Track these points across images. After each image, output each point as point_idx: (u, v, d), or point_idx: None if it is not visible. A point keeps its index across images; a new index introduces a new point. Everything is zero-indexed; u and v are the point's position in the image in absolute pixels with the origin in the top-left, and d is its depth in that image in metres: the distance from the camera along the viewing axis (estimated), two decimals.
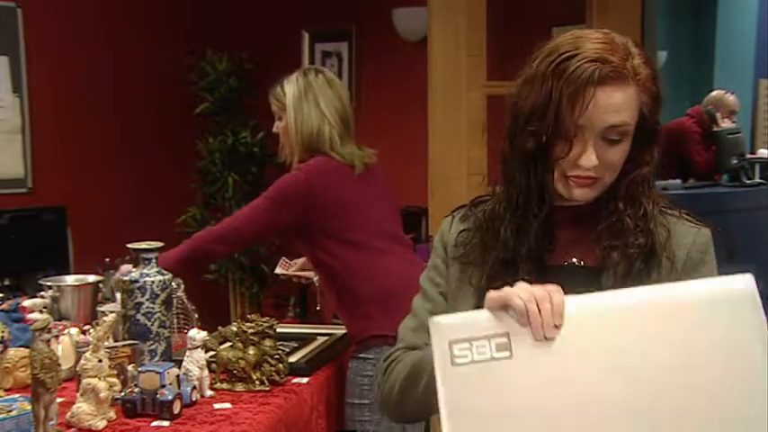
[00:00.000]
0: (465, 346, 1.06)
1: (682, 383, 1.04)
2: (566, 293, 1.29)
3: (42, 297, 2.22)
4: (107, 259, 2.60)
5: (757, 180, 5.46)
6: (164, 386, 1.78)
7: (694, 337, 1.05)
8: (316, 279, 2.76)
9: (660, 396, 1.03)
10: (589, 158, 1.24)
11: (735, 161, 5.45)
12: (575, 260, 1.33)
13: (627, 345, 1.05)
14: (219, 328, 2.09)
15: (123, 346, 1.94)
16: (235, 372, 2.02)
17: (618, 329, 1.06)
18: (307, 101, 2.49)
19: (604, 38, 1.25)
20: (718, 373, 1.04)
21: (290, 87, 2.52)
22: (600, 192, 1.29)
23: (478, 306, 1.32)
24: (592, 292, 1.26)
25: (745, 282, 1.07)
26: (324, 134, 2.48)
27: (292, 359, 2.23)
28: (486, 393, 1.05)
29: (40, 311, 1.63)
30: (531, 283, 1.27)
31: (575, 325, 1.07)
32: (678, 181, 5.28)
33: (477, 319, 1.09)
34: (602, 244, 1.29)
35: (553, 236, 1.33)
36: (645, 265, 1.28)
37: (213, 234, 2.46)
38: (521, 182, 1.31)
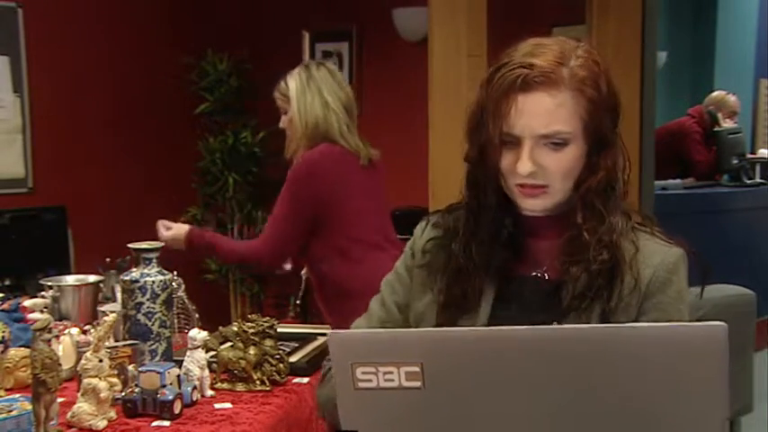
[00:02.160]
0: (369, 370, 0.93)
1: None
2: (525, 307, 1.27)
3: (43, 297, 2.22)
4: (107, 259, 2.60)
5: (758, 180, 5.47)
6: (164, 386, 1.78)
7: (645, 386, 0.91)
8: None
9: None
10: (524, 165, 1.20)
11: (735, 161, 5.45)
12: (537, 273, 1.30)
13: (564, 386, 0.91)
14: (220, 327, 2.09)
15: (124, 345, 1.94)
16: (235, 372, 2.02)
17: (557, 368, 0.91)
18: (310, 91, 2.53)
19: (545, 42, 1.22)
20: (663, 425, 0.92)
21: (293, 80, 2.57)
22: (555, 201, 1.25)
23: (440, 315, 1.30)
24: (551, 306, 1.25)
25: (717, 332, 0.90)
26: (331, 122, 2.51)
27: (293, 359, 2.23)
28: (392, 421, 0.96)
29: (41, 311, 1.63)
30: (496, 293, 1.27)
31: (504, 359, 0.92)
32: (678, 181, 5.28)
33: (386, 341, 0.95)
34: (562, 257, 1.25)
35: (522, 246, 1.31)
36: (607, 281, 1.23)
37: (256, 251, 2.50)
38: (472, 192, 1.30)
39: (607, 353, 0.90)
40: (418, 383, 0.93)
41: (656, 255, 1.25)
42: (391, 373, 0.93)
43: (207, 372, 1.96)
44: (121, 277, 2.06)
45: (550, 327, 0.97)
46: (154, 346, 1.99)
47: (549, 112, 1.19)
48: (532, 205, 1.25)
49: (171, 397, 1.78)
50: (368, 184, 2.54)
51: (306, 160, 2.48)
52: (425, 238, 1.38)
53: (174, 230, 2.64)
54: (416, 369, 0.93)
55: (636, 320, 1.23)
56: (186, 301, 2.40)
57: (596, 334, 0.93)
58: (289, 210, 2.49)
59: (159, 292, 1.99)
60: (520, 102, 1.18)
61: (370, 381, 0.94)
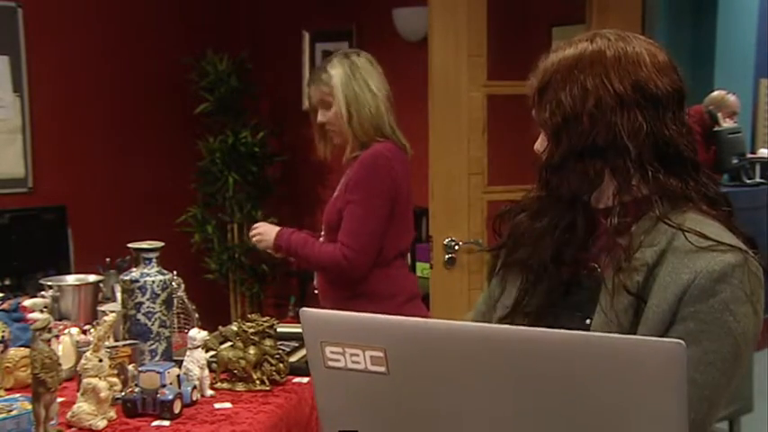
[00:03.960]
0: (337, 350, 0.96)
1: None
2: (571, 304, 1.29)
3: (43, 297, 2.22)
4: (107, 259, 2.60)
5: (758, 180, 5.48)
6: (164, 386, 1.78)
7: (598, 396, 0.89)
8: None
9: None
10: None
11: (735, 161, 5.46)
12: (588, 270, 1.29)
13: (519, 386, 0.91)
14: (220, 327, 2.09)
15: (124, 345, 1.94)
16: (235, 371, 2.02)
17: (513, 368, 0.91)
18: (356, 81, 2.37)
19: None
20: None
21: (336, 70, 2.39)
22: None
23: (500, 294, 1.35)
24: (592, 303, 1.24)
25: (674, 350, 0.85)
26: (382, 115, 2.38)
27: (293, 359, 2.23)
28: (360, 403, 0.97)
29: (41, 311, 1.63)
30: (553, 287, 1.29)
31: (462, 353, 0.92)
32: None
33: (351, 324, 0.97)
34: (607, 256, 1.24)
35: (587, 242, 1.30)
36: (644, 282, 1.18)
37: (342, 259, 2.33)
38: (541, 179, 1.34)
39: (562, 359, 0.89)
40: (383, 368, 0.95)
41: (701, 260, 1.15)
42: (357, 355, 0.95)
43: (207, 371, 1.96)
44: (121, 277, 2.06)
45: (508, 327, 0.97)
46: (154, 346, 1.99)
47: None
48: None
49: (171, 397, 1.78)
50: (409, 181, 2.44)
51: (378, 157, 2.33)
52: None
53: (261, 229, 2.52)
54: (380, 354, 0.94)
55: (670, 328, 1.16)
56: (186, 301, 2.40)
57: (552, 339, 0.91)
58: (369, 210, 2.33)
59: (159, 292, 1.99)
60: None
61: (338, 360, 0.96)
